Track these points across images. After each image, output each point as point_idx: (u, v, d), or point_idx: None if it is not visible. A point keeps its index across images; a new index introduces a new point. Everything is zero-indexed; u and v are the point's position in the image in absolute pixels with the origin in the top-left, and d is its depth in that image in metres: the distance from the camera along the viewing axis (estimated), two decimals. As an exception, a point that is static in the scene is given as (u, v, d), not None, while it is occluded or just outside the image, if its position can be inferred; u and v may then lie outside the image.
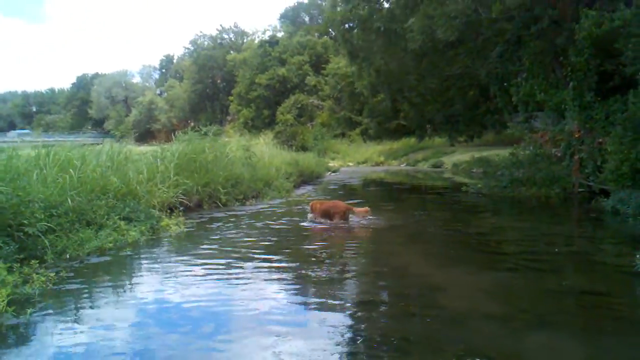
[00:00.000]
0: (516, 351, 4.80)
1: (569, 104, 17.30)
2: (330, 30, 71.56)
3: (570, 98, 17.12)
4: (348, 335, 5.29)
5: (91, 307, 6.25)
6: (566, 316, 5.91)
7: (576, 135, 17.33)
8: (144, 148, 20.68)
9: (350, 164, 40.43)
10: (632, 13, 13.70)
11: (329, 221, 12.01)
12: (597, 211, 13.44)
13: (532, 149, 20.31)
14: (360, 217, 12.17)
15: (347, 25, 35.02)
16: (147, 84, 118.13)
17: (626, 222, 11.59)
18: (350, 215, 12.24)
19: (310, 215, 12.41)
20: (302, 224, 12.14)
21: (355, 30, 33.76)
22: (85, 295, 6.62)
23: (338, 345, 4.99)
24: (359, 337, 5.22)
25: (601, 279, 7.45)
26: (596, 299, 6.50)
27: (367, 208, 12.34)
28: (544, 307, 6.18)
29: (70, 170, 10.77)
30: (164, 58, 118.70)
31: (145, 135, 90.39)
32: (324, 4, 73.23)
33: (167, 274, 7.77)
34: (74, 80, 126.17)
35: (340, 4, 34.84)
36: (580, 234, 11.71)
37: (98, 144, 15.08)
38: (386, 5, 31.12)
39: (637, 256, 7.26)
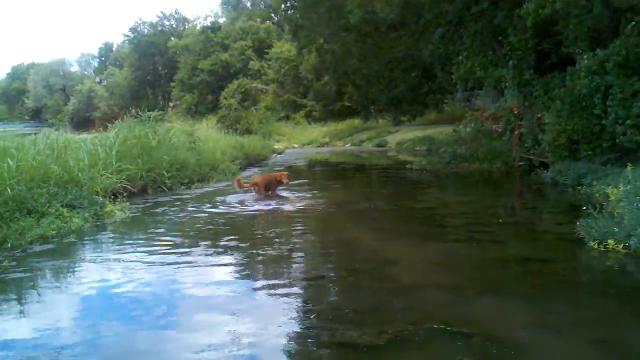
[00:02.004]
0: (467, 317, 4.89)
1: (509, 82, 17.64)
2: (273, 15, 71.20)
3: (510, 76, 17.46)
4: (301, 311, 5.30)
5: (36, 296, 6.09)
6: (513, 283, 6.07)
7: (516, 112, 17.70)
8: (84, 136, 20.20)
9: (296, 145, 40.35)
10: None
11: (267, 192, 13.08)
12: (537, 183, 13.81)
13: (474, 126, 20.67)
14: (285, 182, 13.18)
15: (288, 3, 34.86)
16: (86, 73, 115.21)
17: (565, 192, 11.95)
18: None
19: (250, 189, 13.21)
20: (249, 204, 12.09)
21: (297, 8, 33.64)
22: (29, 285, 6.44)
23: (291, 320, 5.00)
24: (312, 312, 5.22)
25: (544, 247, 7.67)
26: (541, 265, 6.68)
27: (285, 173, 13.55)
28: (492, 275, 6.33)
29: (8, 159, 10.44)
30: (103, 46, 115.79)
31: (85, 124, 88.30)
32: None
33: (112, 259, 7.61)
34: (8, 70, 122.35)
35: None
36: (523, 205, 12.02)
37: (36, 134, 14.65)
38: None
39: (578, 223, 7.46)
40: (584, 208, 8.06)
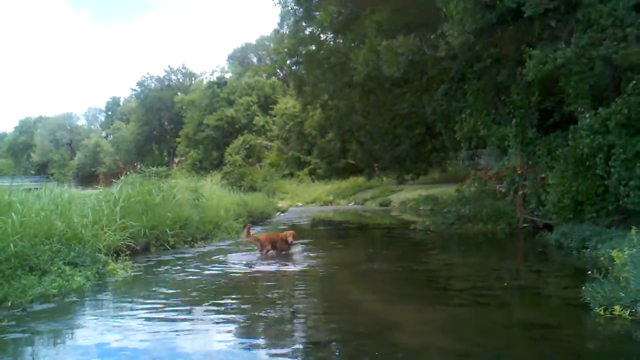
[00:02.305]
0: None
1: (512, 141, 17.73)
2: (278, 70, 72.22)
3: (513, 134, 17.55)
4: (301, 376, 5.22)
5: (33, 358, 6.01)
6: (518, 349, 5.97)
7: (519, 171, 17.73)
8: (89, 191, 20.26)
9: (299, 203, 40.34)
10: (572, 52, 14.19)
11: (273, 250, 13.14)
12: (542, 245, 13.74)
13: (477, 186, 20.69)
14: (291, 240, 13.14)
15: (293, 59, 35.45)
16: (93, 127, 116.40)
17: (570, 255, 11.86)
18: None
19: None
20: (252, 264, 12.04)
21: (302, 64, 34.21)
22: (27, 345, 6.36)
23: (291, 387, 4.92)
24: (312, 378, 5.14)
25: (550, 312, 7.58)
26: (546, 331, 6.59)
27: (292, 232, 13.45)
28: (496, 340, 6.24)
29: (12, 214, 10.44)
30: (110, 100, 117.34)
31: (90, 179, 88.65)
32: (271, 45, 73.82)
33: (113, 320, 7.55)
34: (16, 124, 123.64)
35: (286, 38, 35.26)
36: (527, 268, 11.92)
37: (39, 188, 14.67)
38: (332, 43, 31.70)
39: (583, 288, 7.39)
40: (589, 272, 7.98)
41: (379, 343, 6.22)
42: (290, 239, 13.01)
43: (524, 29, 17.17)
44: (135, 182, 16.35)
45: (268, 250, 13.06)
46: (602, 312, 6.75)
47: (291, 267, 11.63)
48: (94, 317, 7.81)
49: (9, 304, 8.04)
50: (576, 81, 14.76)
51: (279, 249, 13.13)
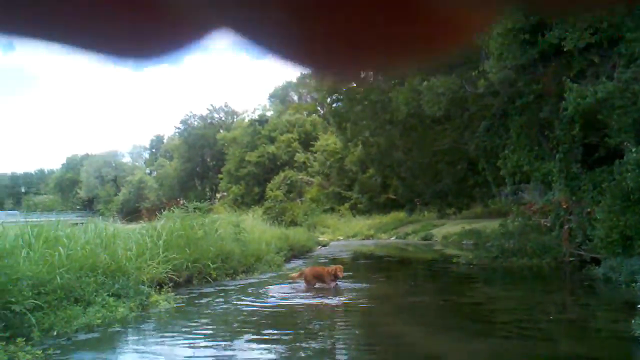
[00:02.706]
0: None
1: (556, 176, 17.51)
2: (319, 108, 72.87)
3: (557, 169, 17.34)
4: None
5: (78, 385, 6.09)
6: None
7: (564, 206, 17.46)
8: (133, 226, 20.58)
9: (340, 237, 40.25)
10: (614, 86, 14.05)
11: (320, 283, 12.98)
12: (589, 279, 13.42)
13: (521, 220, 20.41)
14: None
15: (334, 97, 35.75)
16: (137, 164, 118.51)
17: (619, 289, 11.56)
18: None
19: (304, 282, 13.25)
20: (293, 297, 12.03)
21: (342, 102, 34.48)
22: (72, 373, 6.46)
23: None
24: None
25: (598, 345, 7.37)
26: (594, 365, 6.42)
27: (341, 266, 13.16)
28: (542, 374, 6.09)
29: (60, 247, 10.68)
30: (154, 138, 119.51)
31: (134, 214, 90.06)
32: (312, 82, 74.62)
33: (155, 351, 7.61)
34: (63, 161, 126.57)
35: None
36: (574, 302, 11.66)
37: (84, 223, 14.99)
38: (372, 81, 31.85)
39: (633, 322, 7.19)
40: (639, 306, 7.76)
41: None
42: (340, 274, 12.85)
43: (566, 64, 17.09)
44: (178, 216, 16.59)
45: (313, 284, 13.04)
46: (652, 346, 6.55)
47: (332, 300, 11.57)
48: (137, 347, 7.90)
49: (55, 333, 8.18)
50: (619, 115, 14.56)
51: (326, 282, 13.00)
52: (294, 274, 13.82)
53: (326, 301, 11.40)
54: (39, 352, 6.95)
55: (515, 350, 7.19)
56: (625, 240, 13.29)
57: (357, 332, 8.83)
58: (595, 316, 9.64)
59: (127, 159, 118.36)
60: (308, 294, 12.36)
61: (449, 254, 23.06)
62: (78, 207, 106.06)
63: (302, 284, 13.41)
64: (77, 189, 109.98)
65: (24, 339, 7.30)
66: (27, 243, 10.86)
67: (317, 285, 13.04)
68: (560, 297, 12.35)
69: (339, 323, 9.27)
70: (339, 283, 13.14)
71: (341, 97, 34.59)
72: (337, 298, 11.81)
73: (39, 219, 16.17)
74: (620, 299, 10.86)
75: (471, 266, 17.64)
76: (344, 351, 7.43)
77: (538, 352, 6.97)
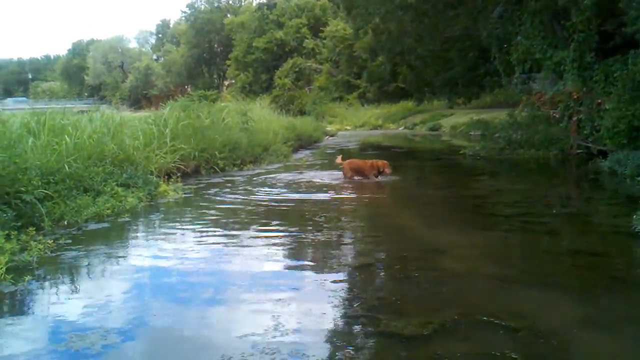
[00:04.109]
0: (515, 310, 4.81)
1: (568, 65, 17.16)
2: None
3: (570, 58, 16.97)
4: (346, 298, 5.32)
5: (89, 275, 6.26)
6: (564, 276, 5.93)
7: (575, 96, 17.24)
8: (141, 114, 20.59)
9: (348, 127, 40.28)
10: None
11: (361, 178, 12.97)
12: (595, 172, 13.47)
13: (530, 111, 20.23)
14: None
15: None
16: (144, 49, 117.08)
17: (623, 183, 11.59)
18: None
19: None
20: (299, 187, 12.17)
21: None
22: (83, 263, 6.61)
23: (336, 307, 5.01)
24: (356, 300, 5.23)
25: (598, 240, 7.48)
26: (593, 259, 6.52)
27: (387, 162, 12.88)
28: (542, 267, 6.20)
29: (66, 136, 10.71)
30: (160, 23, 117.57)
31: (142, 101, 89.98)
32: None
33: (165, 240, 7.79)
34: (69, 46, 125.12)
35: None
36: (578, 196, 11.75)
37: (91, 111, 14.95)
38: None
39: (634, 217, 7.25)
40: (642, 200, 7.82)
41: (423, 266, 6.26)
42: (387, 170, 12.68)
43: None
44: (184, 105, 16.53)
45: (351, 177, 13.04)
46: (652, 241, 6.64)
47: (339, 191, 11.69)
48: (147, 237, 8.10)
49: (65, 222, 8.35)
50: (638, 1, 14.09)
51: (368, 177, 12.89)
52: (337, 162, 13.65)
53: (333, 192, 11.53)
54: (50, 241, 7.09)
55: (516, 244, 7.31)
56: (632, 131, 13.23)
57: (362, 224, 8.97)
58: (598, 210, 9.73)
59: (133, 44, 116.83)
60: (315, 185, 12.49)
61: (456, 145, 23.12)
62: (86, 94, 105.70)
63: (305, 175, 13.53)
64: (84, 75, 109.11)
65: (35, 228, 7.46)
66: (32, 132, 10.89)
67: (356, 178, 13.02)
68: (565, 190, 12.43)
69: (344, 215, 9.40)
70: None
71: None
72: (343, 189, 11.95)
73: (46, 106, 16.14)
74: (624, 192, 10.92)
75: (478, 158, 17.70)
76: (348, 243, 7.57)
77: (538, 247, 7.08)
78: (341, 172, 13.39)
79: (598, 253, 6.74)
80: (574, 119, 17.16)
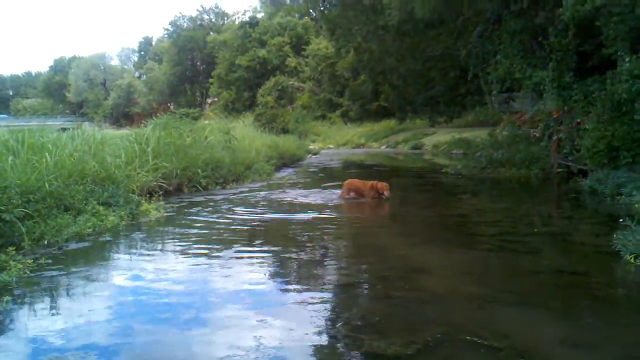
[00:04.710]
0: (497, 330, 4.83)
1: (548, 84, 17.38)
2: (311, 10, 71.27)
3: (549, 78, 17.18)
4: (328, 317, 5.30)
5: (69, 295, 6.20)
6: (545, 296, 5.97)
7: (555, 116, 17.44)
8: (123, 132, 20.49)
9: (331, 146, 40.38)
10: (613, -8, 13.80)
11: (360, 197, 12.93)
12: (575, 191, 13.60)
13: (511, 130, 20.44)
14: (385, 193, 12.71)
15: (326, 2, 34.94)
16: (126, 67, 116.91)
17: (604, 202, 11.72)
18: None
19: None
20: (282, 206, 12.15)
21: (334, 7, 33.68)
22: (63, 283, 6.55)
23: (318, 328, 5.00)
24: (339, 320, 5.22)
25: (579, 259, 7.54)
26: (574, 278, 6.57)
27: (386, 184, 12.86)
28: (523, 286, 6.24)
29: (47, 154, 10.63)
30: (143, 40, 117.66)
31: (124, 119, 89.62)
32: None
33: (146, 260, 7.72)
34: (51, 63, 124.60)
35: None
36: (559, 214, 11.83)
37: (74, 128, 14.85)
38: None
39: (615, 236, 7.32)
40: (622, 220, 7.88)
41: (405, 286, 6.27)
42: (386, 193, 12.65)
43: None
44: (166, 123, 16.49)
45: (347, 196, 13.03)
46: (632, 260, 6.68)
47: (322, 210, 11.69)
48: (128, 256, 8.01)
49: (46, 242, 8.26)
50: (616, 22, 14.34)
51: (365, 196, 12.87)
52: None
53: (315, 211, 11.52)
54: (30, 261, 7.03)
55: (498, 263, 7.34)
56: (611, 151, 13.40)
57: (344, 243, 8.97)
58: (579, 229, 9.82)
59: (115, 62, 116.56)
60: (297, 203, 12.49)
61: (438, 163, 23.24)
62: (67, 111, 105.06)
63: (288, 193, 13.57)
64: (65, 92, 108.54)
65: (15, 247, 7.37)
66: (12, 150, 10.80)
67: (352, 195, 13.03)
68: (546, 209, 12.52)
69: (327, 234, 9.38)
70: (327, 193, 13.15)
71: (333, 1, 33.74)
72: (325, 207, 11.95)
73: (28, 123, 16.03)
74: (605, 211, 11.02)
75: (459, 176, 17.81)
76: (331, 262, 7.55)
77: (520, 266, 7.12)
78: (324, 192, 13.41)
79: (579, 272, 6.79)
80: (554, 138, 17.35)
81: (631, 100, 12.85)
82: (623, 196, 11.41)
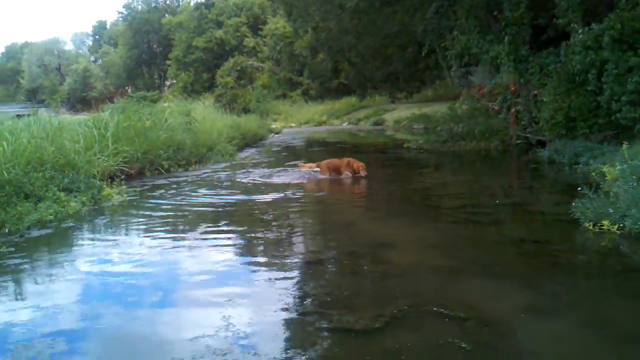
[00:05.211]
0: (462, 300, 4.92)
1: (504, 58, 17.54)
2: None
3: (505, 52, 17.34)
4: (296, 295, 5.34)
5: (33, 282, 6.12)
6: (508, 265, 6.10)
7: (512, 89, 17.65)
8: (80, 117, 20.13)
9: (293, 124, 40.19)
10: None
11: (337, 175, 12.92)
12: (534, 162, 13.84)
13: (470, 104, 20.64)
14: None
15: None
16: (81, 51, 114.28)
17: (562, 171, 11.96)
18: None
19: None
20: (246, 186, 12.12)
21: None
22: (26, 270, 6.46)
23: (286, 305, 5.03)
24: (307, 297, 5.26)
25: (540, 228, 7.71)
26: (536, 247, 6.72)
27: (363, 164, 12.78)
28: (487, 257, 6.36)
29: (3, 142, 10.41)
30: (97, 24, 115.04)
31: (81, 104, 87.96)
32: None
33: (110, 244, 7.65)
34: (2, 50, 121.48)
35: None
36: (519, 185, 12.06)
37: (29, 115, 14.53)
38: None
39: (574, 204, 7.48)
40: (580, 188, 8.05)
41: (372, 261, 6.35)
42: (362, 172, 12.52)
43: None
44: (125, 106, 16.25)
45: (328, 176, 13.01)
46: (591, 227, 6.84)
47: (287, 189, 11.68)
48: (92, 242, 7.92)
49: (7, 230, 8.11)
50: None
51: (342, 174, 12.89)
52: (304, 165, 13.82)
53: (281, 190, 11.52)
54: (-9, 250, 6.91)
55: (462, 235, 7.47)
56: (569, 121, 13.61)
57: (310, 220, 9.01)
58: (539, 199, 10.01)
59: (69, 47, 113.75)
60: (261, 183, 12.47)
61: (400, 139, 23.35)
62: (22, 98, 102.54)
63: (251, 173, 13.56)
64: (19, 78, 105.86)
65: (-25, 237, 7.24)
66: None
67: (332, 176, 12.98)
68: (507, 180, 12.74)
69: (292, 212, 9.40)
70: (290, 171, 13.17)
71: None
72: (290, 186, 11.95)
73: (-18, 111, 15.65)
74: (563, 181, 11.26)
75: (421, 151, 17.96)
76: (297, 240, 7.59)
77: (483, 237, 7.26)
78: (288, 171, 13.47)
79: (540, 241, 6.94)
80: (512, 110, 17.57)
81: (585, 71, 13.05)
82: (580, 165, 11.68)
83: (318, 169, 13.27)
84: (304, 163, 13.92)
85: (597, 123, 13.00)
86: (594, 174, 10.27)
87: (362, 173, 12.52)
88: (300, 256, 6.77)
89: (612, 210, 6.87)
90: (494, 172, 13.89)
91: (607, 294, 5.19)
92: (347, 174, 12.76)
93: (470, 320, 4.47)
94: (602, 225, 6.75)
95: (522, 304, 4.90)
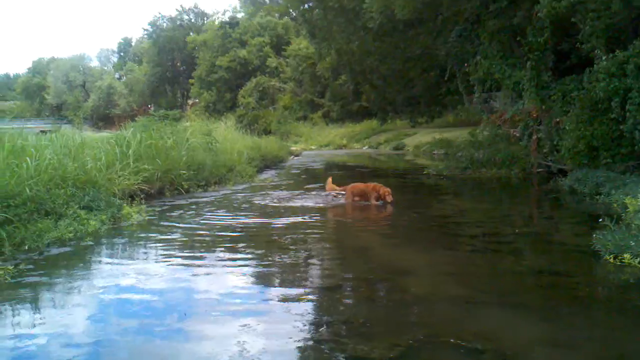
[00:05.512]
0: (479, 331, 4.86)
1: (526, 84, 17.50)
2: (291, 10, 71.18)
3: (528, 77, 17.31)
4: (312, 321, 5.31)
5: (51, 300, 6.15)
6: (527, 296, 6.03)
7: (534, 115, 17.58)
8: (103, 134, 20.36)
9: (313, 147, 40.33)
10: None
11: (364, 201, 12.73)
12: (555, 191, 13.70)
13: (491, 130, 20.56)
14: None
15: (306, 5, 34.95)
16: (106, 68, 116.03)
17: (583, 201, 11.83)
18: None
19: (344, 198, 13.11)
20: (265, 209, 12.14)
21: (315, 10, 33.71)
22: (45, 288, 6.49)
23: (302, 332, 5.01)
24: (322, 323, 5.23)
25: (559, 259, 7.61)
26: (554, 278, 6.63)
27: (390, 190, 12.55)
28: (505, 287, 6.30)
29: (27, 158, 10.52)
30: (122, 41, 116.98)
31: (104, 120, 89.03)
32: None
33: (128, 264, 7.67)
34: (29, 65, 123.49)
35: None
36: (539, 214, 11.94)
37: (51, 131, 14.69)
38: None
39: (594, 236, 7.40)
40: (601, 219, 7.96)
41: (388, 288, 6.32)
42: (388, 198, 12.28)
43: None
44: (147, 125, 16.39)
45: (352, 201, 12.86)
46: (612, 260, 6.75)
47: (305, 213, 11.68)
48: (110, 261, 7.94)
49: (26, 247, 8.15)
50: (592, 18, 14.48)
51: (369, 200, 12.67)
52: (332, 185, 13.56)
53: (299, 214, 11.52)
54: (11, 267, 6.95)
55: (480, 264, 7.39)
56: (591, 150, 13.50)
57: (328, 245, 8.98)
58: (559, 229, 9.91)
59: (95, 63, 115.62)
60: (280, 206, 12.48)
61: (420, 164, 23.31)
62: (47, 114, 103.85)
63: (270, 196, 13.56)
64: (44, 94, 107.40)
65: (-5, 254, 7.30)
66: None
67: (356, 199, 12.85)
68: (527, 209, 12.64)
69: (310, 237, 9.37)
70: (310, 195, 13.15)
71: (312, 3, 33.76)
72: (309, 209, 11.95)
73: (7, 126, 15.84)
74: (585, 211, 11.13)
75: (441, 177, 17.89)
76: (314, 266, 7.57)
77: (501, 266, 7.18)
78: (307, 194, 13.45)
79: (560, 272, 6.86)
80: (534, 137, 17.48)
81: (608, 99, 12.95)
82: (602, 196, 11.50)
83: (344, 192, 13.13)
84: (332, 182, 13.66)
85: (619, 152, 12.88)
86: (615, 205, 10.11)
87: (388, 199, 12.30)
88: (317, 282, 6.75)
89: (633, 244, 6.77)
90: (514, 201, 13.78)
91: (627, 329, 5.10)
92: (373, 200, 12.58)
93: (487, 353, 4.43)
94: (623, 259, 6.66)
95: (540, 336, 4.83)
